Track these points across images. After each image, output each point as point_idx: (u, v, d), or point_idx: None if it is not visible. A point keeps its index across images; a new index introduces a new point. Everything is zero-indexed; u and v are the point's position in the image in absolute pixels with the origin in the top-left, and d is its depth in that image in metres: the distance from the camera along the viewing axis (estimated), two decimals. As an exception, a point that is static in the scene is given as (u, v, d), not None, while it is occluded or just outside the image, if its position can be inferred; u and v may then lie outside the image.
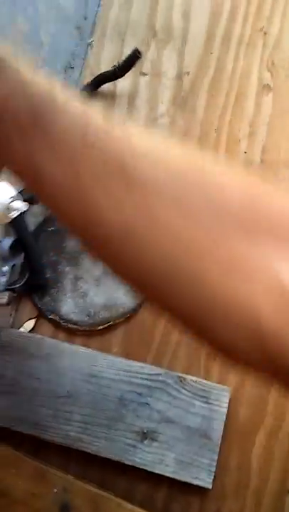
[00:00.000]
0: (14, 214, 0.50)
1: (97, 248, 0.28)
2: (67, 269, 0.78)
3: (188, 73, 0.85)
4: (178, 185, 0.25)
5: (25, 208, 0.51)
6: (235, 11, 0.85)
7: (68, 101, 0.27)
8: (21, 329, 0.77)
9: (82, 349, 0.72)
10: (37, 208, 0.80)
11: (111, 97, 0.86)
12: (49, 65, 0.80)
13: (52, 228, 0.80)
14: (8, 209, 0.49)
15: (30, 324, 0.77)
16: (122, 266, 0.27)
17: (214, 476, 0.66)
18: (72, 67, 0.87)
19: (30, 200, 0.57)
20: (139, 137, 0.27)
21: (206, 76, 0.84)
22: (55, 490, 0.68)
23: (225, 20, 0.85)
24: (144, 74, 0.86)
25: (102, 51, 0.88)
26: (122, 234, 0.25)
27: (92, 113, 0.27)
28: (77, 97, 0.28)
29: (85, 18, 0.88)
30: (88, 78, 0.86)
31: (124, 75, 0.81)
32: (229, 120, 0.80)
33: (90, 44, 0.90)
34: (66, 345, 0.73)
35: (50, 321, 0.76)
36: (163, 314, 0.29)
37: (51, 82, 0.28)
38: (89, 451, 0.68)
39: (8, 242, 0.73)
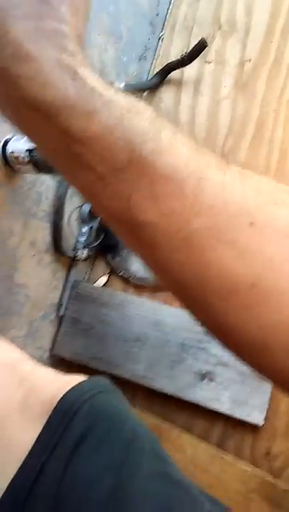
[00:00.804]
0: None
1: (219, 299, 0.25)
2: (136, 233, 0.89)
3: (249, 60, 0.93)
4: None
5: None
6: (295, 2, 0.92)
7: (174, 140, 0.25)
8: (96, 284, 0.88)
9: (149, 301, 0.82)
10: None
11: (178, 83, 0.96)
12: (126, 55, 0.91)
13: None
14: None
15: (103, 280, 0.88)
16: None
17: (266, 417, 0.73)
18: (145, 58, 0.98)
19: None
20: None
21: (266, 63, 0.92)
22: (123, 419, 0.78)
23: (285, 14, 0.92)
24: (209, 62, 0.95)
25: (172, 44, 0.99)
26: (250, 286, 0.24)
27: (201, 158, 0.25)
28: (180, 134, 0.26)
29: (157, 15, 0.99)
30: (158, 68, 0.96)
31: (191, 62, 0.91)
32: (287, 100, 0.88)
33: (160, 37, 1.00)
34: (135, 298, 0.83)
35: (121, 277, 0.87)
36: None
37: (151, 115, 0.26)
38: (153, 387, 0.78)
39: (87, 206, 0.85)
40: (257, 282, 0.23)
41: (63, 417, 0.33)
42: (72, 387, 0.35)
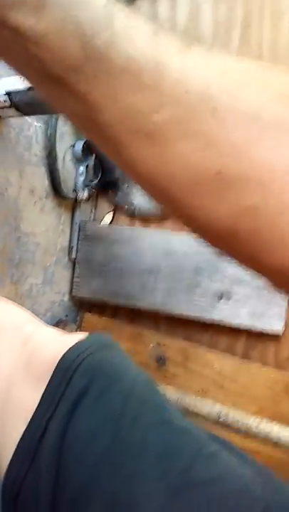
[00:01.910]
0: None
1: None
2: (135, 164, 0.86)
3: None
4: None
5: None
6: None
7: (129, 27, 0.23)
8: (102, 222, 0.88)
9: (157, 231, 0.82)
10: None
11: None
12: None
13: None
14: None
15: (108, 217, 0.88)
16: None
17: (285, 324, 0.76)
18: None
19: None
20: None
21: None
22: (151, 345, 0.82)
23: None
24: None
25: None
26: (214, 175, 0.23)
27: (162, 43, 0.23)
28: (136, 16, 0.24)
29: None
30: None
31: None
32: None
33: None
34: (143, 230, 0.83)
35: (126, 212, 0.87)
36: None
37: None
38: (174, 313, 0.80)
39: (79, 145, 0.82)
40: (221, 170, 0.23)
41: (64, 375, 0.33)
42: (72, 346, 0.36)
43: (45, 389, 0.33)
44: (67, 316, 0.86)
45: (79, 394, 0.33)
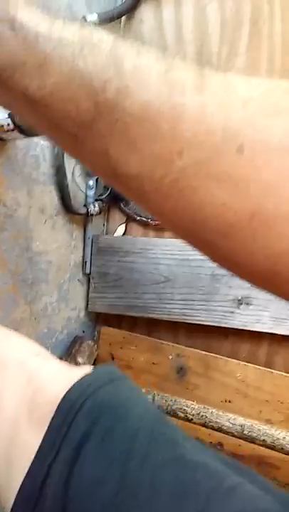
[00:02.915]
0: None
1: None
2: (144, 173, 0.85)
3: None
4: None
5: None
6: None
7: (139, 69, 0.22)
8: (115, 234, 0.87)
9: (171, 240, 0.81)
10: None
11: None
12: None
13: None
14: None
15: (121, 229, 0.87)
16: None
17: (309, 329, 0.73)
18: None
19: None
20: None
21: None
22: (171, 357, 0.81)
23: None
24: None
25: None
26: (249, 218, 0.22)
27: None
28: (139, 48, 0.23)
29: None
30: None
31: None
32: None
33: None
34: (156, 240, 0.82)
35: (138, 222, 0.85)
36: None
37: (108, 44, 0.22)
38: (193, 322, 0.79)
39: (88, 157, 0.81)
40: (255, 212, 0.21)
41: (66, 417, 0.32)
42: (74, 384, 0.34)
43: (46, 432, 0.32)
44: (84, 332, 0.86)
45: (82, 437, 0.31)
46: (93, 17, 0.79)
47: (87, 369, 0.36)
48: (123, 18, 0.87)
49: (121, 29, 0.88)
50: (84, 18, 0.78)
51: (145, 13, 0.86)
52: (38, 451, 0.31)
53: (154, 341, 0.82)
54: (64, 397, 0.33)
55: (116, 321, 0.87)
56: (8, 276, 0.68)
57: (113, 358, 0.85)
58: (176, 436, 0.33)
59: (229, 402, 0.76)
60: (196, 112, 0.22)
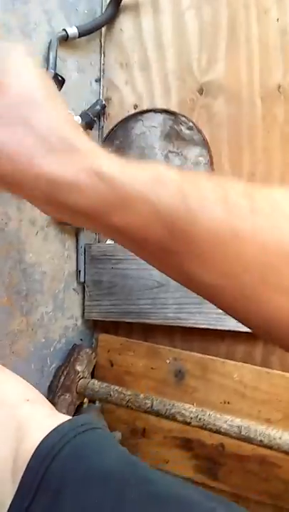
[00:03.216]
0: None
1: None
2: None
3: None
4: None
5: None
6: None
7: (204, 199, 0.28)
8: (107, 242, 0.88)
9: (163, 245, 0.82)
10: (93, 133, 0.88)
11: (135, 7, 0.87)
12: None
13: (111, 149, 0.88)
14: None
15: (113, 236, 0.88)
16: None
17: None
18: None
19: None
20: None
21: None
22: (168, 361, 0.81)
23: None
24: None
25: None
26: None
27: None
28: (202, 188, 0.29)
29: None
30: (108, -4, 0.88)
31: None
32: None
33: None
34: (148, 245, 0.83)
35: (130, 229, 0.86)
36: None
37: (174, 182, 0.28)
38: (188, 325, 0.79)
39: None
40: None
41: (42, 461, 0.31)
42: (52, 431, 0.33)
43: (22, 476, 0.31)
44: (82, 340, 0.86)
45: (60, 482, 0.31)
46: (73, 30, 0.80)
47: (64, 418, 0.36)
48: (103, 28, 0.88)
49: (102, 39, 0.89)
50: (64, 30, 0.79)
51: (124, 23, 0.88)
52: (15, 494, 0.31)
53: (152, 346, 0.83)
54: (41, 442, 0.33)
55: (113, 327, 0.87)
56: (2, 289, 0.70)
57: (112, 365, 0.86)
58: (146, 473, 0.33)
59: (228, 403, 0.77)
60: (254, 235, 0.26)
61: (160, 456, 0.82)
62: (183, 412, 0.68)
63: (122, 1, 0.87)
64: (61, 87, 0.75)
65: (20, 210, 0.72)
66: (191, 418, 0.67)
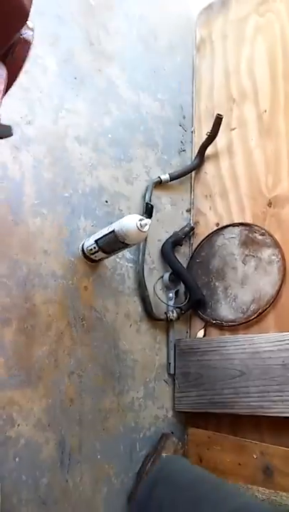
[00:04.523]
0: (146, 229, 0.75)
1: None
2: (217, 284, 0.98)
3: (265, 111, 1.06)
4: None
5: (149, 223, 0.73)
6: None
7: None
8: (197, 336, 0.97)
9: (242, 335, 0.88)
10: (183, 249, 1.07)
11: (215, 155, 1.12)
12: (166, 154, 1.13)
13: (198, 260, 1.04)
14: (141, 226, 0.75)
15: (201, 333, 0.97)
16: None
17: None
18: (184, 150, 1.19)
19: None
20: None
21: (278, 108, 1.04)
22: (255, 456, 0.79)
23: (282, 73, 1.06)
24: (233, 128, 1.11)
25: (202, 131, 1.18)
26: None
27: None
28: None
29: (184, 117, 1.22)
30: (195, 153, 1.16)
31: (216, 135, 1.08)
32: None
33: (192, 131, 1.22)
34: (229, 337, 0.89)
35: (215, 325, 0.95)
36: None
37: None
38: (270, 414, 0.78)
39: (167, 275, 0.99)
40: None
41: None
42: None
43: None
44: (172, 432, 0.90)
45: None
46: (166, 176, 1.07)
47: None
48: (193, 172, 1.14)
49: (192, 181, 1.14)
50: (159, 177, 1.06)
51: (208, 166, 1.12)
52: None
53: (238, 440, 0.82)
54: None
55: (203, 419, 0.90)
56: (98, 369, 0.83)
57: (201, 460, 0.86)
58: (236, 490, 0.39)
59: None
60: None
61: None
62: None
63: (207, 152, 1.13)
64: (151, 211, 0.98)
65: (117, 305, 0.89)
66: None
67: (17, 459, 0.69)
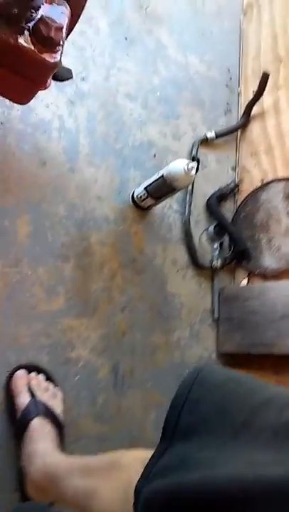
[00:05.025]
0: (192, 173, 0.79)
1: None
2: (261, 236, 1.02)
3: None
4: None
5: (196, 166, 0.78)
6: None
7: None
8: (241, 285, 1.01)
9: (283, 281, 0.91)
10: (228, 205, 1.10)
11: (262, 114, 1.14)
12: (212, 113, 1.16)
13: (243, 214, 1.07)
14: (188, 170, 0.79)
15: (244, 282, 1.01)
16: None
17: None
18: (230, 110, 1.21)
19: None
20: None
21: None
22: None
23: None
24: (280, 88, 1.12)
25: (248, 92, 1.20)
26: None
27: None
28: None
29: (230, 78, 1.24)
30: (241, 114, 1.18)
31: (262, 94, 1.10)
32: None
33: (239, 93, 1.24)
34: (269, 283, 0.93)
35: (258, 275, 0.99)
36: None
37: None
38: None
39: (212, 227, 1.04)
40: None
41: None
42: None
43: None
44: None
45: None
46: (212, 134, 1.10)
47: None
48: (239, 131, 1.16)
49: (237, 140, 1.17)
50: (205, 135, 1.09)
51: (254, 126, 1.14)
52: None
53: (280, 381, 0.86)
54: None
55: (246, 361, 0.94)
56: (147, 307, 0.89)
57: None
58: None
59: None
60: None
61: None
62: None
63: (253, 112, 1.15)
64: (197, 166, 1.02)
65: (165, 251, 0.95)
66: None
67: (77, 378, 0.77)
